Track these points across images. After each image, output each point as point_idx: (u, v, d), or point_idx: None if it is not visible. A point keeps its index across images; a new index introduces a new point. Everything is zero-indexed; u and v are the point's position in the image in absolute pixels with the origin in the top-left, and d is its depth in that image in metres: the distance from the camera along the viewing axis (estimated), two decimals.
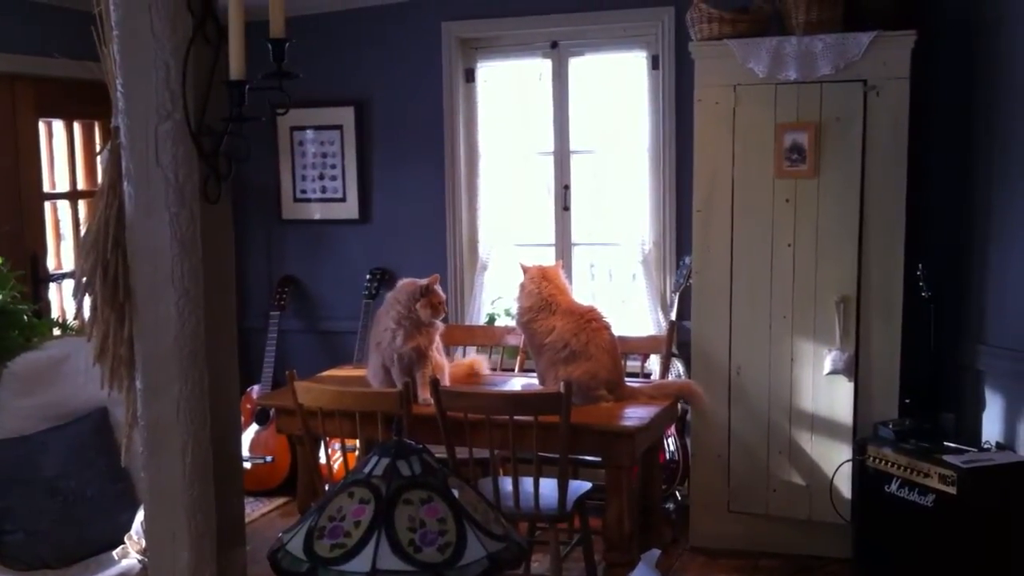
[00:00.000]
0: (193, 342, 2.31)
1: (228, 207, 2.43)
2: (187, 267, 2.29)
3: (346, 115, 5.91)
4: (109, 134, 2.35)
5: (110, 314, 2.33)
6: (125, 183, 2.30)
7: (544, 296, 4.26)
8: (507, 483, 3.96)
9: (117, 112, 2.29)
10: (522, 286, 4.33)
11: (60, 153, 5.59)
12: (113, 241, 2.32)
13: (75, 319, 3.02)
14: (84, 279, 2.36)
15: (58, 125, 5.55)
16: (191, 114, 2.23)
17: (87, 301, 2.40)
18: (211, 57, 2.27)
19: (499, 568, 1.93)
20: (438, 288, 4.18)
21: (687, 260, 5.04)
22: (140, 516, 3.44)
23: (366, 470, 1.98)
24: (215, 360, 2.37)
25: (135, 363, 2.37)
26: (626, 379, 4.35)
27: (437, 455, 2.11)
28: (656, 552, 3.06)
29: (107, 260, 2.31)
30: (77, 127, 5.64)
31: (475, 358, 4.70)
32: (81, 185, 5.67)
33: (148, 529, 2.44)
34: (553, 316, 4.23)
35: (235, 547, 2.50)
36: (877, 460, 4.25)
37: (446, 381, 4.18)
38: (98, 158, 5.49)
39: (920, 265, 4.41)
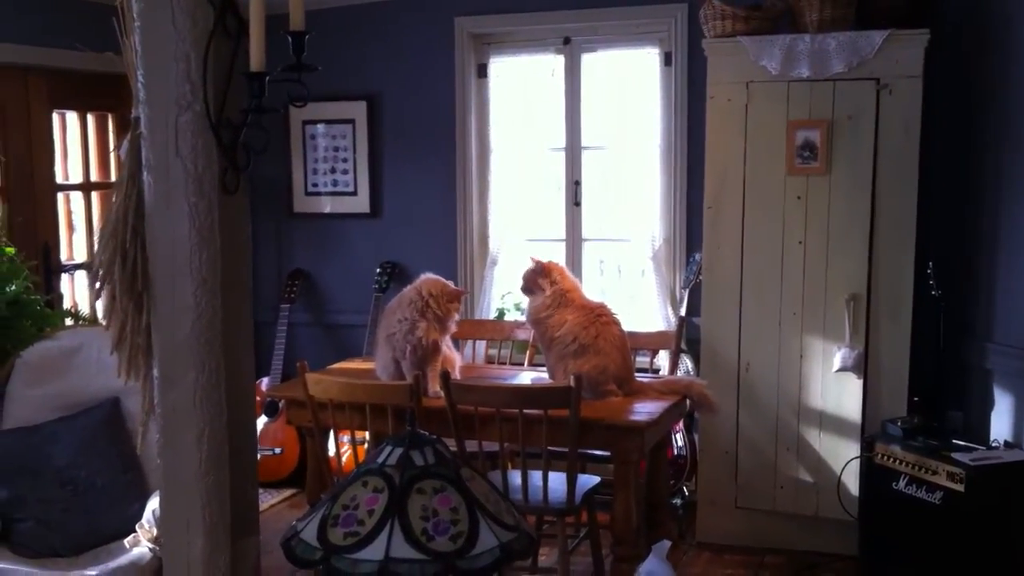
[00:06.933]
0: (210, 331, 2.33)
1: (246, 198, 2.45)
2: (205, 257, 2.31)
3: (358, 109, 5.92)
4: (122, 126, 2.37)
5: (128, 303, 2.35)
6: (144, 173, 2.32)
7: (560, 292, 4.28)
8: (516, 476, 3.97)
9: (138, 103, 2.31)
10: (551, 282, 4.29)
11: (73, 145, 5.60)
12: (132, 231, 2.34)
13: (94, 307, 3.04)
14: (102, 268, 2.39)
15: (72, 117, 5.57)
16: (211, 106, 2.25)
17: (105, 290, 2.42)
18: (231, 49, 2.29)
19: (510, 558, 1.95)
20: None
21: (697, 256, 5.05)
22: (151, 505, 3.47)
23: (380, 459, 2.00)
24: (231, 349, 2.39)
25: (152, 352, 2.39)
26: (635, 374, 4.36)
27: None
28: (667, 543, 3.08)
29: (126, 250, 2.33)
30: (91, 119, 5.65)
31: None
32: (94, 177, 5.69)
33: (163, 516, 2.47)
34: (564, 311, 4.25)
35: (249, 535, 2.52)
36: (885, 457, 4.26)
37: (456, 375, 4.20)
38: (112, 151, 5.51)
39: (930, 263, 4.41)
